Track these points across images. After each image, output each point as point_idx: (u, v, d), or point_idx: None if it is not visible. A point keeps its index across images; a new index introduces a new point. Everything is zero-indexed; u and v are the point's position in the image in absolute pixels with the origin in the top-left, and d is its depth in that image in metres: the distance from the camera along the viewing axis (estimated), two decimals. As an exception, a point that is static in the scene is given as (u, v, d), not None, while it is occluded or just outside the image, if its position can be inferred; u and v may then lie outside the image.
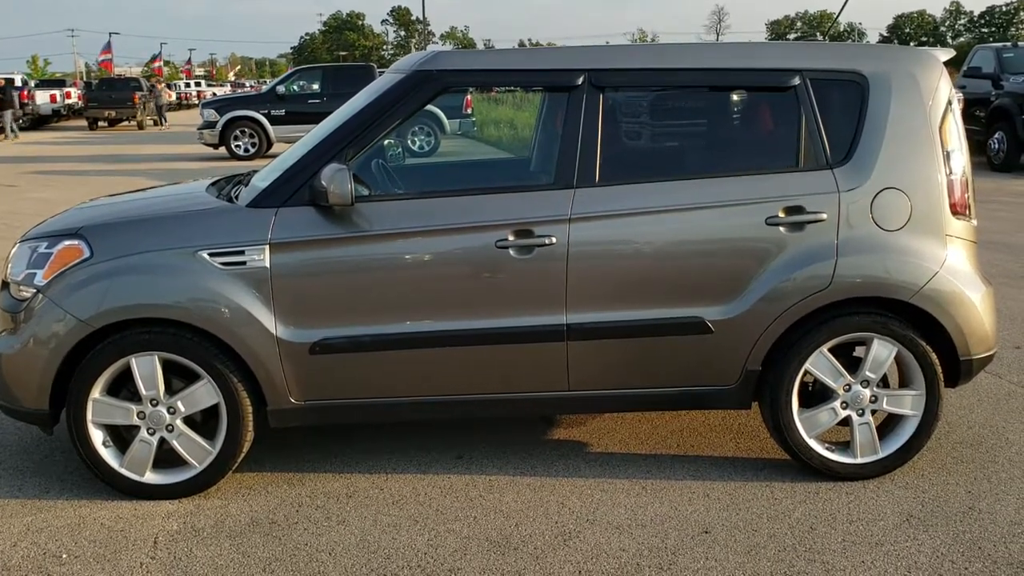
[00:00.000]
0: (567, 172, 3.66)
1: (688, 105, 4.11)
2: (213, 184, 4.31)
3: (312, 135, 3.96)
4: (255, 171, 4.31)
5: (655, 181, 3.70)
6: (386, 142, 4.15)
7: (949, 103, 3.79)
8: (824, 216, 3.63)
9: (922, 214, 3.69)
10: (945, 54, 3.94)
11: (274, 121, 18.93)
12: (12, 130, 27.17)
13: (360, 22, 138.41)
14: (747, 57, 3.84)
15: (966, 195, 3.79)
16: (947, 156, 3.73)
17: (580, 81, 3.71)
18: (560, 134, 3.75)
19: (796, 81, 3.72)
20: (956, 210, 3.74)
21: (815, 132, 3.70)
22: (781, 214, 3.64)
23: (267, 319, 3.56)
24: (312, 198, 3.55)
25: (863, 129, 3.71)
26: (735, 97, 3.96)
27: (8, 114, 27.28)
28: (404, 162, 6.70)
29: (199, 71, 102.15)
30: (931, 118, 3.73)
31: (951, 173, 3.73)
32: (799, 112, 3.72)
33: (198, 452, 3.69)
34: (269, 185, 3.68)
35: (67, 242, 3.68)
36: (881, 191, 3.67)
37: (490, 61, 3.95)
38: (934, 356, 3.72)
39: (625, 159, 3.90)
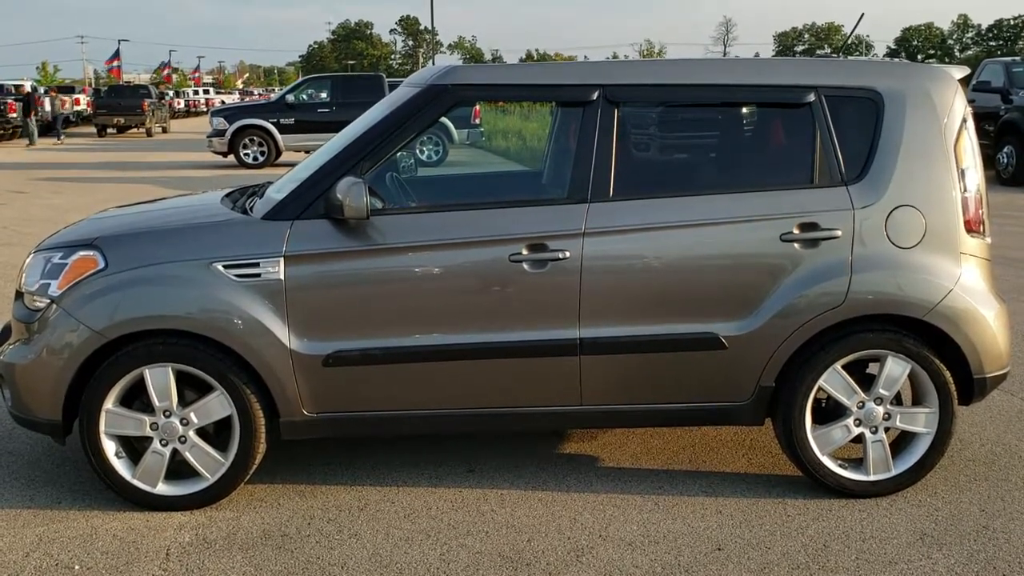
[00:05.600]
0: (581, 186, 3.66)
1: (702, 121, 4.10)
2: (228, 195, 4.31)
3: (327, 148, 3.96)
4: (270, 183, 4.32)
5: (669, 196, 3.70)
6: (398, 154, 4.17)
7: (964, 120, 3.78)
8: (839, 233, 3.63)
9: (936, 231, 3.68)
10: (959, 71, 3.94)
11: (283, 130, 19.02)
12: (31, 136, 27.59)
13: (368, 31, 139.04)
14: (762, 73, 3.84)
15: (980, 212, 3.78)
16: (962, 173, 3.73)
17: (595, 96, 3.71)
18: (574, 148, 3.76)
19: (811, 98, 3.72)
20: (971, 227, 3.74)
21: (830, 149, 3.70)
22: (796, 230, 3.63)
23: (281, 331, 3.57)
24: (327, 211, 3.56)
25: (878, 146, 3.71)
26: (750, 113, 3.97)
27: (32, 120, 27.66)
28: (417, 174, 6.71)
29: (207, 78, 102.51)
30: (946, 135, 3.73)
31: (966, 190, 3.73)
32: (814, 128, 3.72)
33: (210, 464, 3.69)
34: (284, 197, 3.69)
35: (82, 253, 3.69)
36: (896, 208, 3.66)
37: (504, 76, 3.96)
38: (948, 374, 3.71)
39: (639, 174, 3.90)
